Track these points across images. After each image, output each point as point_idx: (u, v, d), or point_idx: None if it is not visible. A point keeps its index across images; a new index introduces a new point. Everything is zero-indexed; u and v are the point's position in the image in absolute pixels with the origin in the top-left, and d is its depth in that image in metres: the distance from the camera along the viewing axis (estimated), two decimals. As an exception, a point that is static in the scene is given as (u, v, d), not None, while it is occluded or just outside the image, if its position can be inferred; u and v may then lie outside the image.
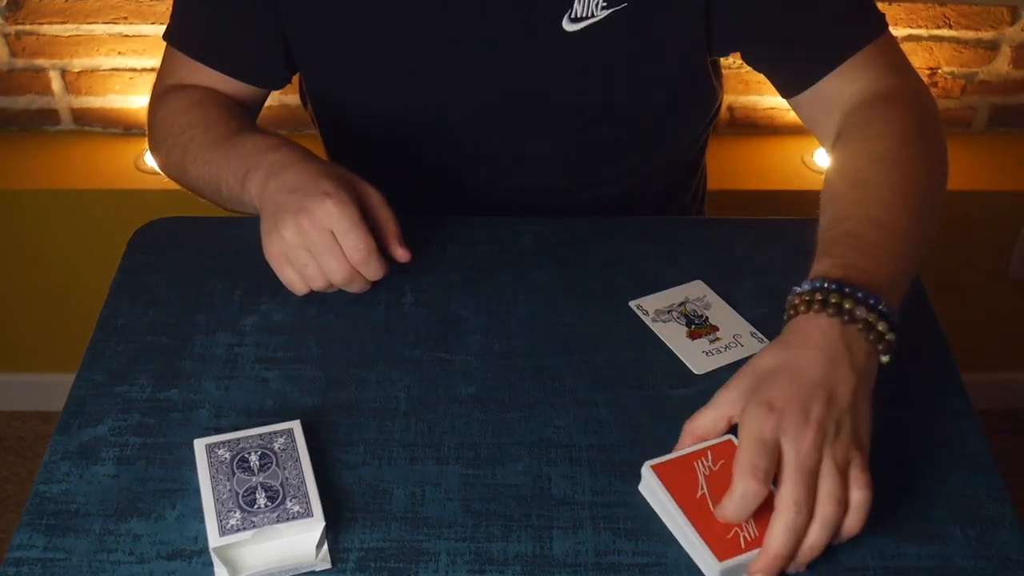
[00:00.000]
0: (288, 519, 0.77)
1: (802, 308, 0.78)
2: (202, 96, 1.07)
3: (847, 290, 0.77)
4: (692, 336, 0.96)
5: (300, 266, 0.90)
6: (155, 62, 1.75)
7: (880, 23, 1.01)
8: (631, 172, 1.15)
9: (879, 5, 1.02)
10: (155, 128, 1.09)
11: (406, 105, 1.09)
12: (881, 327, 0.77)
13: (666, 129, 1.13)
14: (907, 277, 0.84)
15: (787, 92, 1.04)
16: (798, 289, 0.80)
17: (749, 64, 1.06)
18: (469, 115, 1.08)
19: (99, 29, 1.73)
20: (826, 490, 0.72)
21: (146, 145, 1.79)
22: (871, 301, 0.77)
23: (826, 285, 0.78)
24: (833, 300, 0.77)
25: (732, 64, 1.72)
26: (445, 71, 1.06)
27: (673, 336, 0.96)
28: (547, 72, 1.04)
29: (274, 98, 1.58)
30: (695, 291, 1.00)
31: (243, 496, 0.78)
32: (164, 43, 1.12)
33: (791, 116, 1.76)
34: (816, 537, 0.72)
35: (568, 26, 1.00)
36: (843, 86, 0.99)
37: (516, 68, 1.04)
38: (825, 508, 0.72)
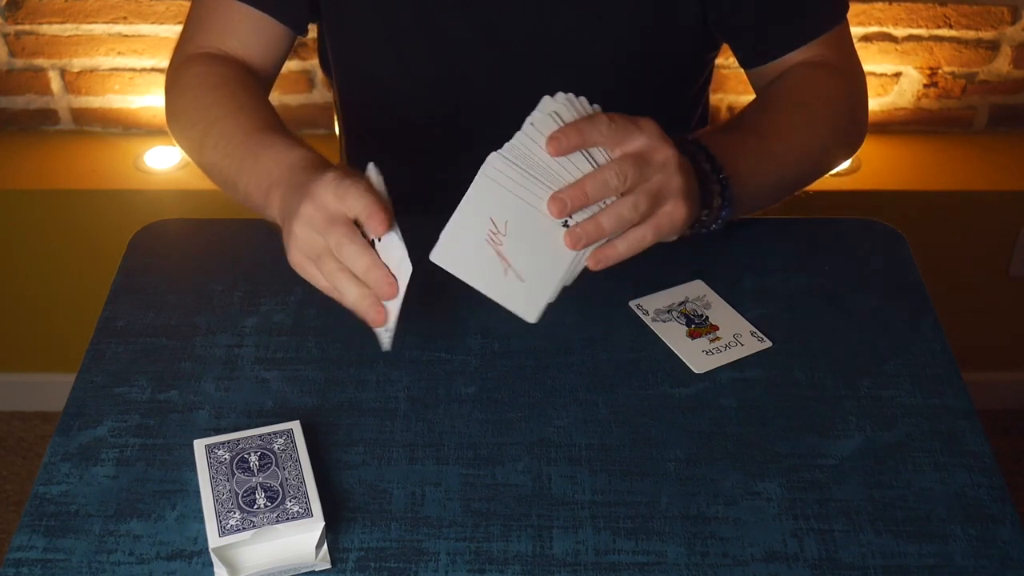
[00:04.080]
0: (288, 519, 0.77)
1: (687, 145, 0.94)
2: (221, 73, 1.06)
3: (715, 164, 0.94)
4: (692, 335, 0.96)
5: (316, 259, 0.84)
6: (155, 62, 1.75)
7: (844, 8, 1.10)
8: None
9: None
10: (172, 101, 1.08)
11: (424, 60, 1.11)
12: (714, 188, 0.93)
13: (666, 80, 1.17)
14: (755, 192, 0.99)
15: (748, 63, 1.12)
16: (687, 138, 0.95)
17: (716, 29, 1.10)
18: (489, 73, 1.10)
19: (99, 29, 1.73)
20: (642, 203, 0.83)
21: (146, 145, 1.80)
22: (720, 175, 0.94)
23: (706, 148, 0.94)
24: (701, 159, 0.93)
25: (732, 64, 1.72)
26: (469, 44, 1.08)
27: (673, 336, 0.96)
28: (566, 15, 1.07)
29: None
30: (695, 291, 1.01)
31: (243, 496, 0.78)
32: (173, 36, 1.10)
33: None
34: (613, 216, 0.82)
35: None
36: (797, 58, 1.08)
37: (534, 19, 1.07)
38: (630, 209, 0.83)
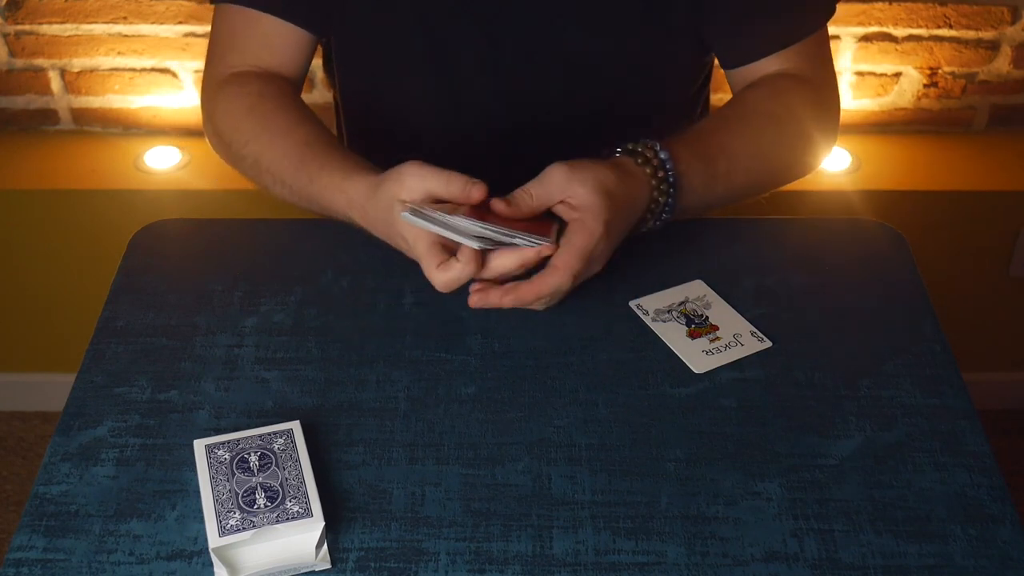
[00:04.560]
0: (288, 519, 0.77)
1: (640, 149, 0.95)
2: (260, 95, 1.07)
3: (668, 168, 0.95)
4: (692, 335, 0.96)
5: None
6: (155, 62, 1.75)
7: (825, 14, 1.10)
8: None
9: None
10: (216, 129, 1.09)
11: (424, 61, 1.11)
12: (661, 200, 0.96)
13: (664, 88, 1.17)
14: (707, 196, 1.01)
15: (727, 63, 1.12)
16: (651, 143, 0.96)
17: (700, 30, 1.10)
18: (488, 74, 1.11)
19: (99, 29, 1.72)
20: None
21: (146, 145, 1.80)
22: (671, 185, 0.96)
23: (662, 156, 0.95)
24: (655, 164, 0.95)
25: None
26: (469, 46, 1.08)
27: (673, 336, 0.96)
28: (566, 16, 1.07)
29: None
30: (695, 291, 1.01)
31: (243, 496, 0.78)
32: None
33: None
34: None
35: None
36: (774, 65, 1.09)
37: (534, 33, 1.07)
38: (539, 305, 0.91)
